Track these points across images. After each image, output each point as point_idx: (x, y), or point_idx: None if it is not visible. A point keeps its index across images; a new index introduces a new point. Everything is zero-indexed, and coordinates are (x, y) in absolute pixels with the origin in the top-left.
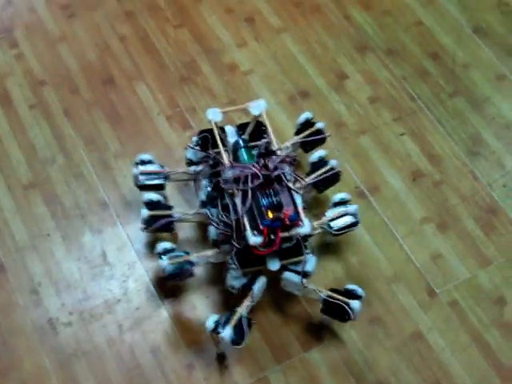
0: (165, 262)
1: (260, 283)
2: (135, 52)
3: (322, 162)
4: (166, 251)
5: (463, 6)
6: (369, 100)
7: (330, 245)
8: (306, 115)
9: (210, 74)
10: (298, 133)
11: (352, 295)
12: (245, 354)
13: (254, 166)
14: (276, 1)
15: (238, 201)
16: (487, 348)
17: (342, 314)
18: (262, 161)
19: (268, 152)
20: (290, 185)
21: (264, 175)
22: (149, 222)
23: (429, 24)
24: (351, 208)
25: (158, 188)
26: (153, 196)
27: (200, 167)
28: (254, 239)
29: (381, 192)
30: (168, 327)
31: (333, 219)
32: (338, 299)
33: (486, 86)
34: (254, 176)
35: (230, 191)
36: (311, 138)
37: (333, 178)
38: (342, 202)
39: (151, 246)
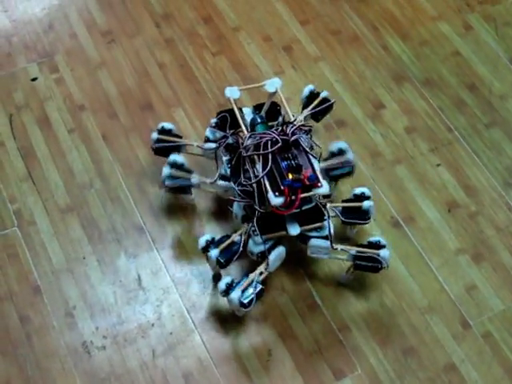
0: (215, 253)
1: (277, 252)
2: (174, 79)
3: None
4: (209, 242)
5: (500, 37)
6: (405, 130)
7: (364, 273)
8: (309, 88)
9: (248, 101)
10: (304, 106)
11: (377, 246)
12: (277, 381)
13: (272, 131)
14: (314, 30)
15: (260, 166)
16: None
17: (374, 265)
18: (279, 128)
19: (285, 122)
20: (307, 149)
21: (282, 140)
22: (168, 181)
23: (466, 54)
24: (366, 203)
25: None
26: (178, 158)
27: (215, 145)
28: (276, 200)
29: (416, 222)
30: (201, 353)
31: (346, 207)
32: (367, 252)
33: None
34: (273, 141)
35: (251, 158)
36: (320, 107)
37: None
38: (362, 196)
39: (186, 271)
